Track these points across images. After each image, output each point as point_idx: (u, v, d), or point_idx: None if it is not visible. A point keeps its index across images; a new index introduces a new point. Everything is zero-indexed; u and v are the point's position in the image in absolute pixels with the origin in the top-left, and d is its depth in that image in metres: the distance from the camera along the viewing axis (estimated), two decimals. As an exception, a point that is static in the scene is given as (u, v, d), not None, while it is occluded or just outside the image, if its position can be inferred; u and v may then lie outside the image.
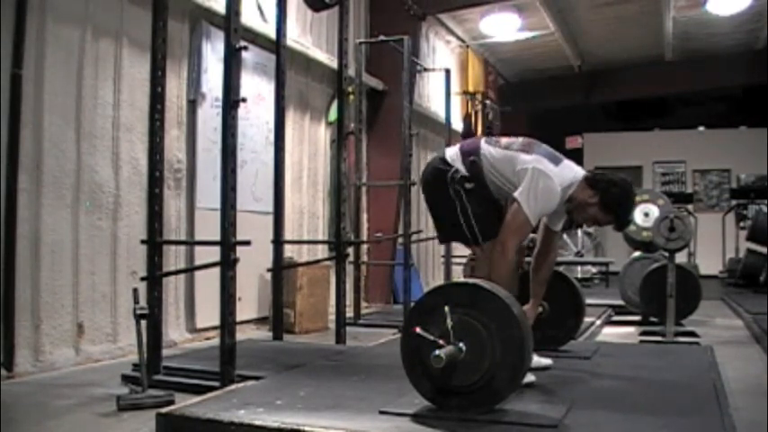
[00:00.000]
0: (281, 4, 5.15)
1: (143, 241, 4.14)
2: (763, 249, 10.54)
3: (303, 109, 7.61)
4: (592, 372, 3.66)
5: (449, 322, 2.64)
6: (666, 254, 5.80)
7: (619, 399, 3.10)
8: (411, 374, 2.78)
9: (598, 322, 6.63)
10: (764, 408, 3.51)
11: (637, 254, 7.77)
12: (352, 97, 7.15)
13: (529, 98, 13.96)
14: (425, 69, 9.58)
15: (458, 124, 10.81)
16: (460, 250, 7.36)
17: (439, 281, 9.79)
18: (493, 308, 2.68)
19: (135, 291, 3.87)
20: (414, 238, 7.33)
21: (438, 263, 10.33)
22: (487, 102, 11.81)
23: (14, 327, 4.28)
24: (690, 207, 13.73)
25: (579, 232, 13.76)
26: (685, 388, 3.35)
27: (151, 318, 3.90)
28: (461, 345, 2.64)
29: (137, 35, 5.17)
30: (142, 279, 4.10)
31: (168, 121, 4.87)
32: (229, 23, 3.81)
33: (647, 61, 13.05)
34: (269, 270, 5.22)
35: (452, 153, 3.57)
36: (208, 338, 5.72)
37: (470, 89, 11.67)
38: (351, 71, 6.61)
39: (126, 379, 4.04)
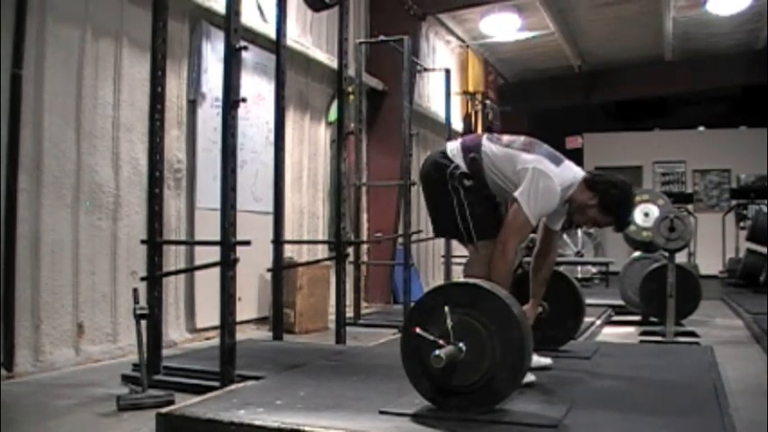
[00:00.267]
0: (281, 4, 5.15)
1: (143, 241, 4.14)
2: (763, 249, 10.54)
3: (303, 109, 7.61)
4: (592, 372, 3.66)
5: (449, 322, 2.64)
6: (666, 254, 5.80)
7: (619, 399, 3.10)
8: (411, 374, 2.78)
9: (598, 322, 6.63)
10: (764, 408, 3.51)
11: (637, 254, 7.77)
12: (352, 97, 7.15)
13: (529, 98, 13.96)
14: (425, 69, 9.58)
15: (458, 124, 10.82)
16: (461, 250, 7.33)
17: (439, 281, 9.79)
18: (493, 308, 2.68)
19: (135, 291, 3.87)
20: (414, 238, 7.33)
21: (438, 263, 10.33)
22: (487, 102, 11.82)
23: (14, 327, 4.28)
24: (690, 207, 13.73)
25: (579, 232, 13.76)
26: (685, 388, 3.35)
27: (151, 318, 3.90)
28: (461, 345, 2.64)
29: (137, 35, 5.17)
30: (142, 279, 4.10)
31: (168, 121, 4.87)
32: (229, 23, 3.81)
33: (647, 61, 13.05)
34: (269, 270, 5.22)
35: (453, 148, 3.56)
36: (208, 338, 5.72)
37: (470, 89, 11.67)
38: (351, 71, 6.61)
39: (126, 379, 4.04)
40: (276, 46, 5.19)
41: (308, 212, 7.74)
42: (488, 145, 3.48)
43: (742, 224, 13.31)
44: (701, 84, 13.33)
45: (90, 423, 3.32)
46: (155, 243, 4.06)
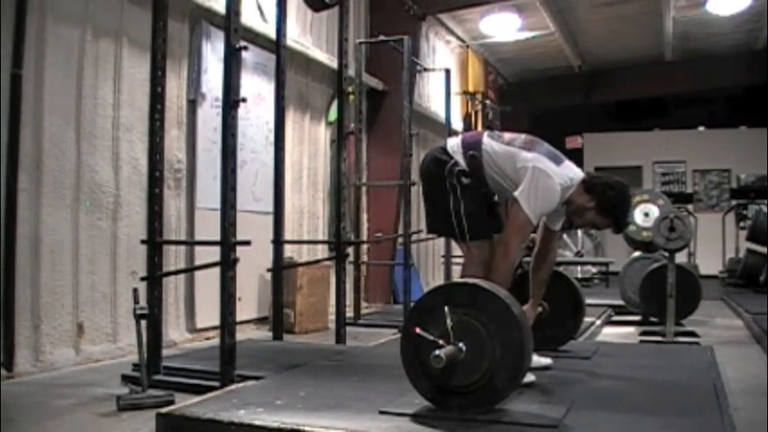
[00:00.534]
0: (281, 4, 5.15)
1: (143, 241, 4.14)
2: (763, 249, 10.54)
3: (303, 109, 7.61)
4: (592, 372, 3.66)
5: (449, 322, 2.64)
6: (666, 254, 5.80)
7: (619, 399, 3.10)
8: (411, 374, 2.77)
9: (598, 322, 6.63)
10: (764, 408, 3.51)
11: (637, 254, 7.77)
12: (352, 97, 7.15)
13: (529, 98, 13.96)
14: (425, 69, 9.58)
15: (458, 124, 10.82)
16: (461, 250, 7.35)
17: (439, 281, 9.79)
18: (493, 308, 2.68)
19: (135, 291, 3.86)
20: (414, 238, 7.33)
21: (438, 263, 10.34)
22: (487, 102, 11.81)
23: (14, 327, 4.28)
24: (690, 207, 13.74)
25: (579, 232, 13.76)
26: (685, 388, 3.35)
27: (151, 318, 3.90)
28: (461, 345, 2.64)
29: (137, 35, 5.17)
30: (142, 279, 4.10)
31: (168, 121, 4.87)
32: (229, 23, 3.81)
33: (647, 61, 13.05)
34: (269, 270, 5.22)
35: (453, 144, 3.56)
36: (208, 338, 5.72)
37: (470, 89, 11.67)
38: (351, 71, 6.61)
39: (126, 379, 4.04)
40: (276, 46, 5.19)
41: (308, 212, 7.74)
42: (489, 142, 3.48)
43: (742, 224, 13.31)
44: (701, 84, 13.33)
45: (90, 423, 3.32)
46: (155, 243, 4.06)
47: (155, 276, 4.03)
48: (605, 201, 3.40)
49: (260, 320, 6.61)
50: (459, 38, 11.58)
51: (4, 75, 4.24)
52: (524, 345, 2.66)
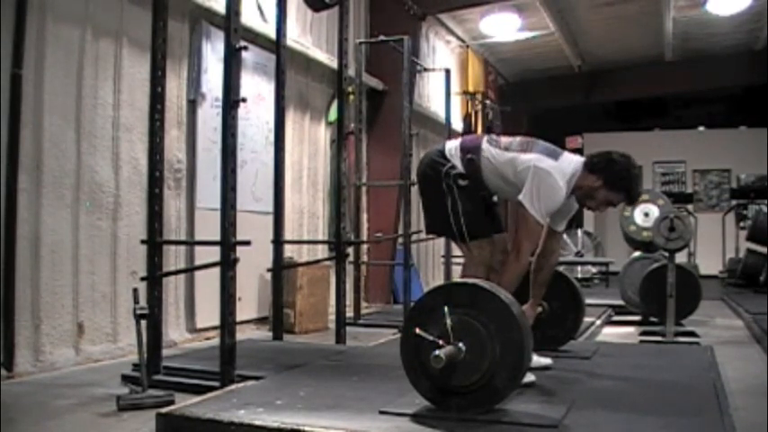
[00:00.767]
0: (281, 4, 5.15)
1: (143, 241, 4.14)
2: (763, 249, 10.54)
3: (303, 109, 7.61)
4: (592, 372, 3.66)
5: (448, 322, 2.64)
6: (666, 254, 5.80)
7: (619, 399, 3.10)
8: (410, 374, 2.77)
9: (598, 322, 6.63)
10: (764, 408, 3.51)
11: (637, 254, 7.77)
12: (352, 97, 7.15)
13: (529, 98, 13.96)
14: (425, 69, 9.58)
15: (458, 124, 10.82)
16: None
17: (439, 281, 9.79)
18: (492, 308, 2.68)
19: (135, 291, 3.87)
20: (414, 238, 7.33)
21: (438, 263, 10.33)
22: (487, 102, 11.80)
23: (14, 327, 4.28)
24: (690, 207, 13.74)
25: (579, 232, 13.77)
26: (685, 388, 3.35)
27: (151, 318, 3.90)
28: (461, 345, 2.64)
29: (137, 35, 5.16)
30: (142, 279, 4.10)
31: (168, 121, 4.87)
32: (229, 23, 3.81)
33: (647, 61, 13.05)
34: (269, 270, 5.22)
35: (452, 147, 3.57)
36: (208, 338, 5.72)
37: (470, 89, 11.66)
38: (351, 71, 6.61)
39: (126, 379, 4.04)
40: (276, 46, 5.19)
41: (308, 212, 7.74)
42: (488, 148, 3.49)
43: (742, 224, 13.31)
44: (701, 84, 13.33)
45: (90, 423, 3.32)
46: (155, 243, 4.06)
47: (155, 276, 4.03)
48: (612, 176, 3.40)
49: (260, 320, 6.61)
50: (459, 38, 11.58)
51: (4, 75, 4.24)
52: (524, 345, 2.66)
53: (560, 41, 11.64)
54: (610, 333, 6.53)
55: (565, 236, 13.66)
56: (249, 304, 6.39)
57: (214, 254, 3.76)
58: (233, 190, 3.73)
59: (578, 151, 14.76)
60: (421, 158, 3.74)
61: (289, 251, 6.41)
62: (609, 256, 12.63)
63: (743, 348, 5.72)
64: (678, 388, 3.34)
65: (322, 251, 7.63)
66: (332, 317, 5.96)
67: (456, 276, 8.52)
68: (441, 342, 2.64)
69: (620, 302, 7.26)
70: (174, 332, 5.62)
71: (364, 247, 8.31)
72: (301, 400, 2.98)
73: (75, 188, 4.76)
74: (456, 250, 8.56)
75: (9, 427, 3.21)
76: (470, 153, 3.48)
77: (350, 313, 6.72)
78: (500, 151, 3.47)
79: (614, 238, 11.83)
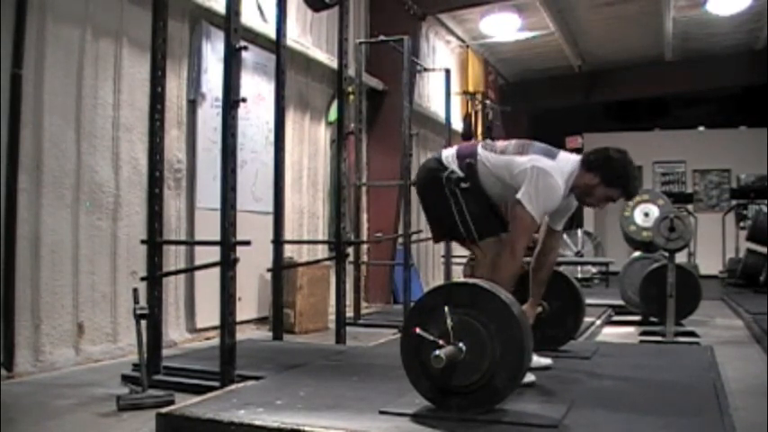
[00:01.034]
0: (281, 4, 5.15)
1: (143, 241, 4.14)
2: (763, 249, 10.54)
3: (303, 109, 7.61)
4: (592, 372, 3.66)
5: (449, 322, 2.64)
6: (666, 254, 5.80)
7: (619, 399, 3.10)
8: (411, 374, 2.77)
9: (598, 322, 6.63)
10: (764, 408, 3.51)
11: (637, 254, 7.77)
12: (352, 97, 7.15)
13: (529, 98, 13.96)
14: (425, 69, 9.58)
15: (458, 124, 10.81)
16: (460, 250, 7.36)
17: (439, 281, 9.79)
18: (493, 308, 2.68)
19: (135, 291, 3.87)
20: (414, 238, 7.33)
21: (438, 263, 10.33)
22: (487, 102, 11.81)
23: (14, 327, 4.28)
24: (690, 207, 13.73)
25: (579, 232, 13.76)
26: (685, 388, 3.35)
27: (151, 318, 3.90)
28: (461, 345, 2.64)
29: (137, 35, 5.16)
30: (142, 279, 4.10)
31: (168, 121, 4.87)
32: (229, 23, 3.81)
33: (647, 61, 13.05)
34: (269, 270, 5.22)
35: (448, 155, 3.59)
36: (208, 338, 5.72)
37: (470, 89, 11.66)
38: (351, 71, 6.61)
39: (126, 379, 4.04)
40: (276, 46, 5.19)
41: (308, 212, 7.74)
42: (484, 153, 3.51)
43: (742, 224, 13.30)
44: (701, 84, 13.33)
45: (90, 423, 3.32)
46: (155, 243, 4.06)
47: (155, 276, 4.03)
48: (609, 172, 3.41)
49: (260, 320, 6.61)
50: (459, 38, 11.58)
51: (4, 75, 4.24)
52: (524, 345, 2.66)
53: (560, 41, 11.65)
54: (610, 333, 6.53)
55: (565, 236, 13.66)
56: (249, 304, 6.39)
57: (214, 254, 3.76)
58: (233, 190, 3.73)
59: (578, 151, 14.79)
60: (418, 170, 3.77)
61: (289, 251, 6.41)
62: (609, 256, 12.63)
63: (743, 348, 5.72)
64: (678, 388, 3.34)
65: (322, 251, 7.63)
66: (332, 317, 5.96)
67: (456, 276, 8.52)
68: (441, 342, 2.64)
69: (620, 302, 7.25)
70: (174, 332, 5.62)
71: (364, 247, 8.31)
72: (301, 400, 2.98)
73: (75, 188, 4.76)
74: (456, 250, 8.58)
75: (9, 427, 3.21)
76: (468, 158, 3.50)
77: (350, 313, 6.72)
78: (496, 155, 3.49)
79: (614, 238, 11.82)
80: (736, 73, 12.73)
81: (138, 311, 3.76)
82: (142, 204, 4.92)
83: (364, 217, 8.73)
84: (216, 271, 3.75)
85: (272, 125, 5.41)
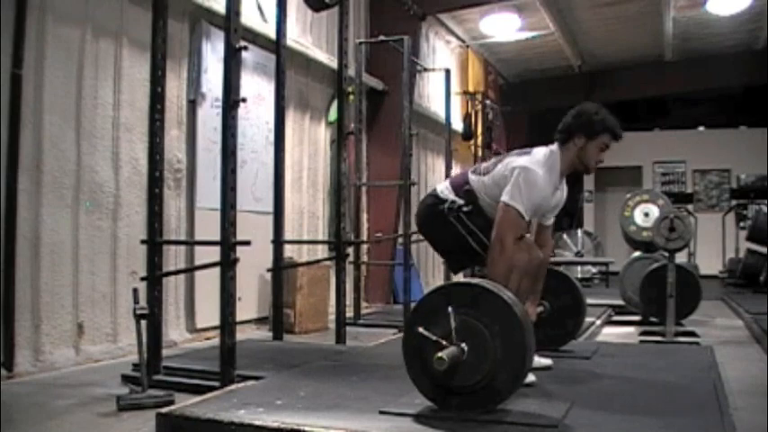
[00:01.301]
0: (281, 4, 5.15)
1: (143, 241, 4.14)
2: (763, 249, 10.54)
3: (303, 109, 7.61)
4: (592, 372, 3.66)
5: (452, 323, 2.63)
6: (666, 254, 5.80)
7: (619, 399, 3.10)
8: (412, 373, 2.77)
9: (598, 322, 6.63)
10: (764, 408, 3.51)
11: (637, 254, 7.77)
12: (352, 97, 7.15)
13: (529, 98, 13.97)
14: (425, 69, 9.58)
15: (458, 124, 10.82)
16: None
17: (439, 281, 9.80)
18: (495, 309, 2.67)
19: (135, 291, 3.86)
20: (414, 238, 7.33)
21: (438, 263, 10.33)
22: (487, 102, 11.81)
23: (14, 327, 4.28)
24: (690, 207, 13.73)
25: (579, 232, 13.78)
26: (685, 388, 3.35)
27: (151, 318, 3.90)
28: (463, 345, 2.63)
29: (137, 35, 5.17)
30: (142, 279, 4.10)
31: (168, 121, 4.87)
32: (229, 23, 3.81)
33: (646, 61, 13.06)
34: (269, 270, 5.22)
35: (443, 188, 3.64)
36: (208, 338, 5.72)
37: (470, 89, 11.67)
38: (351, 71, 6.61)
39: (126, 379, 4.04)
40: (276, 46, 5.19)
41: (308, 212, 7.74)
42: (474, 178, 3.56)
43: (742, 224, 13.31)
44: (701, 84, 13.33)
45: (90, 423, 3.32)
46: (155, 243, 4.06)
47: (155, 276, 4.03)
48: (586, 125, 3.44)
49: (260, 320, 6.61)
50: (459, 38, 11.58)
51: (4, 75, 4.24)
52: (527, 347, 2.65)
53: (560, 41, 11.65)
54: (610, 333, 6.54)
55: (565, 236, 13.68)
56: (249, 304, 6.39)
57: (214, 254, 3.76)
58: (233, 190, 3.73)
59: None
60: (417, 210, 3.81)
61: (289, 251, 6.41)
62: (609, 256, 12.63)
63: (743, 348, 5.72)
64: (678, 388, 3.34)
65: (322, 251, 7.63)
66: (332, 317, 5.96)
67: (455, 277, 8.51)
68: (444, 342, 2.63)
69: (620, 302, 7.26)
70: (174, 332, 5.62)
71: (364, 247, 8.31)
72: (301, 400, 2.98)
73: (75, 188, 4.76)
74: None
75: (9, 427, 3.21)
76: (464, 186, 3.54)
77: (350, 313, 6.72)
78: (483, 177, 3.53)
79: (614, 238, 11.84)
80: (736, 73, 12.73)
81: (138, 311, 3.76)
82: (142, 204, 4.91)
83: (364, 217, 8.74)
84: (216, 271, 3.75)
85: (272, 125, 5.41)
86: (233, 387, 3.31)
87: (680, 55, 12.77)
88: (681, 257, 6.60)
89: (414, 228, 7.30)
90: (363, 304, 7.65)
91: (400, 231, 7.66)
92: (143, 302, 3.89)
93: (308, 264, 6.56)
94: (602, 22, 11.19)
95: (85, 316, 4.81)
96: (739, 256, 11.74)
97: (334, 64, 6.51)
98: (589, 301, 4.78)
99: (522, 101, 13.75)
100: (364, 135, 8.31)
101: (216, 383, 3.57)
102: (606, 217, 15.22)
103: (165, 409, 2.83)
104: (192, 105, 5.92)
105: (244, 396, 3.03)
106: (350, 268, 6.55)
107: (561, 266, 8.16)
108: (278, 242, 5.10)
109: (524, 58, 12.84)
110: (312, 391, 3.15)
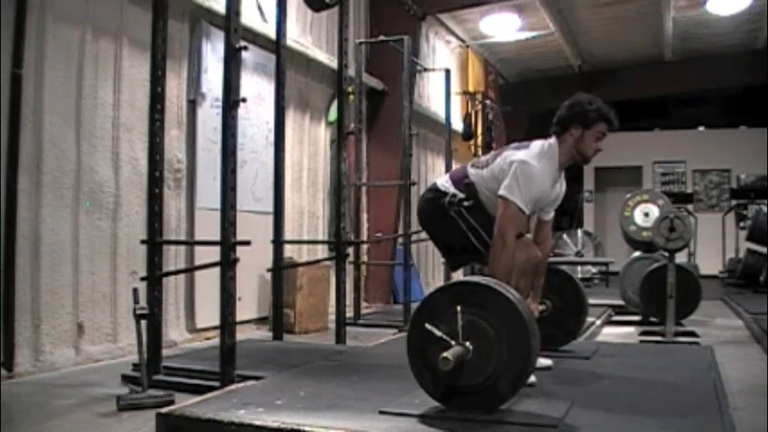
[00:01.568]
0: (281, 4, 5.15)
1: (143, 241, 4.14)
2: (763, 249, 10.54)
3: (303, 109, 7.61)
4: (592, 372, 3.66)
5: (459, 322, 2.63)
6: (666, 254, 5.80)
7: (619, 399, 3.10)
8: (415, 371, 2.76)
9: (598, 322, 6.63)
10: (764, 408, 3.51)
11: (637, 254, 7.77)
12: (352, 97, 7.15)
13: (529, 98, 13.95)
14: (425, 69, 9.58)
15: (458, 124, 10.82)
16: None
17: (439, 281, 9.79)
18: (501, 309, 2.66)
19: (135, 291, 3.86)
20: (414, 238, 7.33)
21: (438, 263, 10.33)
22: (487, 102, 11.81)
23: (14, 327, 4.28)
24: (690, 207, 13.73)
25: (579, 232, 13.77)
26: (685, 388, 3.35)
27: (151, 318, 3.90)
28: (468, 344, 2.63)
29: (137, 35, 5.17)
30: (142, 279, 4.10)
31: (168, 121, 4.87)
32: (229, 23, 3.81)
33: (646, 61, 13.06)
34: (269, 270, 5.22)
35: (443, 182, 3.65)
36: (208, 338, 5.72)
37: (470, 89, 11.67)
38: (351, 71, 6.61)
39: (126, 379, 4.04)
40: (276, 46, 5.19)
41: (308, 212, 7.73)
42: (473, 172, 3.56)
43: (742, 224, 13.30)
44: (701, 84, 13.33)
45: (90, 423, 3.32)
46: (155, 243, 4.06)
47: (155, 276, 4.03)
48: (580, 116, 3.45)
49: (260, 320, 6.61)
50: (459, 38, 11.58)
51: (4, 75, 4.24)
52: (531, 349, 2.64)
53: (560, 41, 11.65)
54: (610, 333, 6.54)
55: (565, 236, 13.68)
56: (249, 304, 6.39)
57: (214, 254, 3.76)
58: (233, 190, 3.73)
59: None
60: (418, 204, 3.80)
61: (289, 251, 6.41)
62: (609, 256, 12.63)
63: (743, 348, 5.72)
64: (678, 388, 3.34)
65: (322, 251, 7.63)
66: (332, 317, 5.96)
67: (455, 277, 8.51)
68: (450, 341, 2.62)
69: (620, 302, 7.26)
70: (174, 332, 5.62)
71: (364, 247, 8.31)
72: (301, 400, 2.98)
73: (75, 188, 4.76)
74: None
75: (9, 427, 3.21)
76: (464, 179, 3.53)
77: (350, 313, 6.72)
78: (482, 171, 3.53)
79: (614, 238, 11.84)
80: (736, 73, 12.73)
81: (138, 311, 3.76)
82: (142, 204, 4.91)
83: (364, 217, 8.74)
84: (216, 271, 3.75)
85: (272, 125, 5.41)
86: (233, 387, 3.31)
87: (680, 55, 12.77)
88: (681, 257, 6.60)
89: (414, 228, 7.33)
90: (363, 304, 7.65)
91: (400, 231, 7.66)
92: (143, 302, 3.89)
93: (308, 264, 6.56)
94: (602, 22, 11.19)
95: (85, 316, 4.81)
96: (739, 256, 11.74)
97: (334, 64, 6.51)
98: (589, 300, 4.78)
99: (523, 101, 13.74)
100: (364, 135, 8.31)
101: (216, 383, 3.57)
102: (606, 217, 15.21)
103: (164, 409, 2.83)
104: (192, 105, 5.92)
105: (244, 396, 3.03)
106: (350, 268, 6.55)
107: (561, 266, 8.15)
108: (278, 242, 5.10)
109: (524, 58, 12.84)
110: (312, 391, 3.15)
